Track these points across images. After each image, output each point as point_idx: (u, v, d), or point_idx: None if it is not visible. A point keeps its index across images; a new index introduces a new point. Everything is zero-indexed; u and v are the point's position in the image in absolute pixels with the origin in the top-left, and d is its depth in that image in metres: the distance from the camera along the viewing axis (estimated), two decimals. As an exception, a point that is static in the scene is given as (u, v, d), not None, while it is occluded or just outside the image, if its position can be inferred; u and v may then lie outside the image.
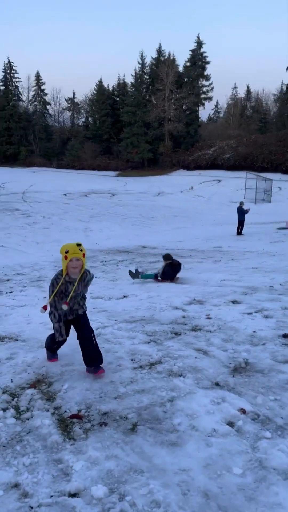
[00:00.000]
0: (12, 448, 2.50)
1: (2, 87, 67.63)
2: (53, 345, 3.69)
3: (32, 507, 2.02)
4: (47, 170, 58.20)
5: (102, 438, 2.56)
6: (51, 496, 2.08)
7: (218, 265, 10.51)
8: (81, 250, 3.29)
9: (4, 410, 2.92)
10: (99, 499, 2.05)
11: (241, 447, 2.39)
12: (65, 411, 2.88)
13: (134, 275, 8.84)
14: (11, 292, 8.86)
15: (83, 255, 3.31)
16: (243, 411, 2.75)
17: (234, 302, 5.64)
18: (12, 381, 3.37)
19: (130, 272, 9.06)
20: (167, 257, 8.62)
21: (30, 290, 8.81)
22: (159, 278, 8.59)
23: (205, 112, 68.36)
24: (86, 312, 3.66)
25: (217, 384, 3.16)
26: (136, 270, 9.00)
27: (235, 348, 3.81)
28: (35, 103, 70.91)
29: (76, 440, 2.55)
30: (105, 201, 32.44)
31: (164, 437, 2.54)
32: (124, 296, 6.82)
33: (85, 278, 3.43)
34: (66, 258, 3.27)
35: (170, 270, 8.51)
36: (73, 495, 2.09)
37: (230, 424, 2.63)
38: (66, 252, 3.25)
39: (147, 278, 8.72)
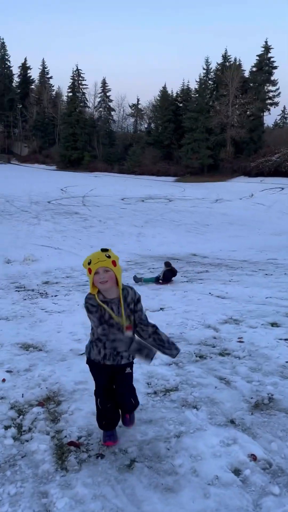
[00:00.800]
0: (3, 473, 2.41)
1: (70, 94, 70.23)
2: (101, 420, 2.70)
3: None
4: (108, 174, 59.43)
5: (95, 472, 2.39)
6: (25, 536, 1.96)
7: (268, 280, 9.97)
8: (109, 257, 2.38)
9: (6, 428, 2.86)
10: None
11: (242, 502, 2.12)
12: (65, 436, 2.75)
13: (138, 279, 10.02)
14: (55, 296, 9.01)
15: (113, 263, 2.40)
16: (253, 457, 2.46)
17: (273, 324, 5.24)
18: (22, 396, 3.31)
19: (134, 277, 10.14)
20: (167, 264, 10.16)
21: (74, 295, 8.88)
22: (160, 281, 9.91)
23: (271, 118, 66.26)
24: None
25: (232, 421, 2.87)
26: (135, 277, 10.21)
27: (262, 379, 3.49)
28: (100, 109, 72.86)
29: (68, 472, 2.41)
30: (161, 206, 32.39)
31: (161, 479, 2.32)
32: (161, 309, 6.63)
33: (126, 296, 2.52)
34: (90, 271, 2.39)
35: (170, 275, 10.00)
36: (48, 538, 1.95)
37: (236, 472, 2.35)
38: (89, 264, 2.39)
39: (149, 282, 9.94)
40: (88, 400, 3.19)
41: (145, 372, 3.68)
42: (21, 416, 3.02)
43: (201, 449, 2.55)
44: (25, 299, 8.71)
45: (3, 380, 3.60)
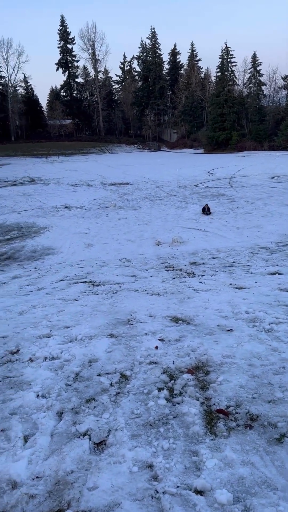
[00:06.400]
0: (156, 428, 2.62)
1: (219, 74, 69.05)
2: None
3: (157, 492, 2.08)
4: (257, 153, 57.05)
5: (244, 441, 2.42)
6: (177, 487, 2.10)
7: None
8: None
9: (160, 390, 3.08)
10: (221, 504, 1.96)
11: None
12: (214, 404, 2.83)
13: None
14: (202, 276, 9.17)
15: None
16: None
17: None
18: (173, 363, 3.51)
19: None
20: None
21: (220, 275, 8.92)
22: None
23: None
24: None
25: None
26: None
27: None
28: (250, 85, 69.97)
29: (217, 436, 2.49)
30: None
31: (314, 459, 2.23)
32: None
33: None
34: None
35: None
36: (198, 492, 2.06)
37: None
38: None
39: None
40: (237, 373, 3.21)
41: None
42: (172, 381, 3.22)
43: None
44: (174, 278, 9.08)
45: (156, 347, 3.87)
